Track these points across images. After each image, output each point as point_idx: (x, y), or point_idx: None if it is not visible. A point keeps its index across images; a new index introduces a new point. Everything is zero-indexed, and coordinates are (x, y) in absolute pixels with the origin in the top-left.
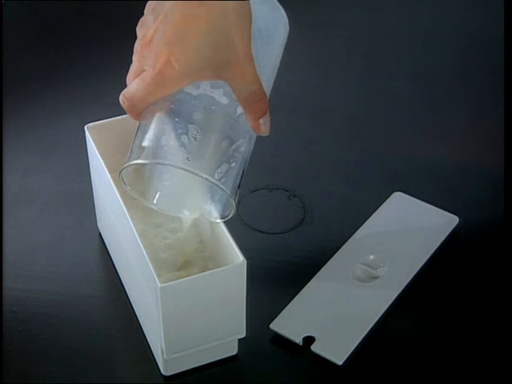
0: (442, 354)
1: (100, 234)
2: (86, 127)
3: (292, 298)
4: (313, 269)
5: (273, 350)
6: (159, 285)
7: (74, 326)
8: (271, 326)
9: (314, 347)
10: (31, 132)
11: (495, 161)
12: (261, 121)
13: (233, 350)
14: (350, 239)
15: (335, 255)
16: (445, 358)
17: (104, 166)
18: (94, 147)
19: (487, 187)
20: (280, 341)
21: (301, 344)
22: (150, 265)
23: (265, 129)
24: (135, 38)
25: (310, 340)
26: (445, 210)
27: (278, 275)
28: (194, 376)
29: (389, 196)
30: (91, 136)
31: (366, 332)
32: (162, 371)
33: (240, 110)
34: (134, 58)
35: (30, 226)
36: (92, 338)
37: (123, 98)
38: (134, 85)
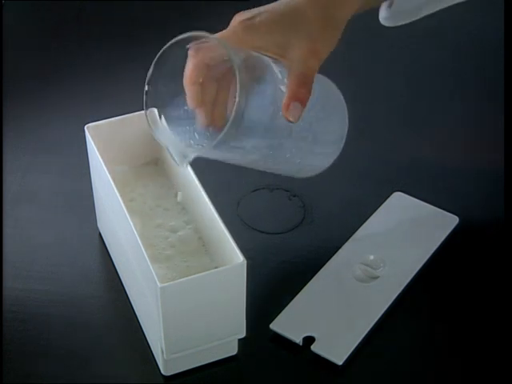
0: (442, 354)
1: (100, 234)
2: (85, 127)
3: (292, 298)
4: (313, 269)
5: (273, 350)
6: (159, 285)
7: (74, 326)
8: (271, 326)
9: (314, 347)
10: (31, 132)
11: (495, 161)
12: (292, 104)
13: (233, 350)
14: (350, 239)
15: (335, 255)
16: (445, 358)
17: (104, 166)
18: (94, 147)
19: (487, 187)
20: (280, 341)
21: (301, 344)
22: (149, 265)
23: (292, 114)
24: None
25: (309, 340)
26: (445, 210)
27: (278, 275)
28: (194, 376)
29: (389, 196)
30: (91, 136)
31: (366, 332)
32: (162, 371)
33: None
34: None
35: (30, 226)
36: (92, 338)
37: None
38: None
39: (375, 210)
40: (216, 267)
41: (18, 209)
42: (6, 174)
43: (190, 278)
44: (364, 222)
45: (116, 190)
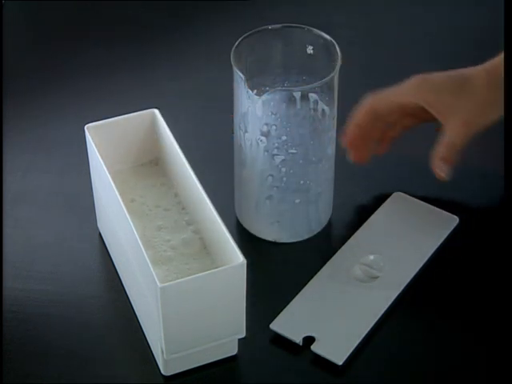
0: (442, 354)
1: (100, 234)
2: (85, 127)
3: (292, 298)
4: (313, 269)
5: (273, 350)
6: (159, 285)
7: (74, 326)
8: (271, 326)
9: (314, 347)
10: (31, 131)
11: (495, 161)
12: (438, 163)
13: (233, 350)
14: (350, 239)
15: (335, 255)
16: (445, 358)
17: (104, 166)
18: (94, 147)
19: (487, 187)
20: (280, 341)
21: (301, 344)
22: (149, 265)
23: (441, 172)
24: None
25: (309, 340)
26: (445, 210)
27: (277, 275)
28: (193, 376)
29: (389, 196)
30: (91, 136)
31: (366, 332)
32: (162, 371)
33: None
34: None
35: (30, 226)
36: (92, 338)
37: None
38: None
39: (375, 210)
40: (216, 267)
41: (17, 209)
42: (6, 174)
43: (189, 278)
44: (364, 221)
45: (116, 190)
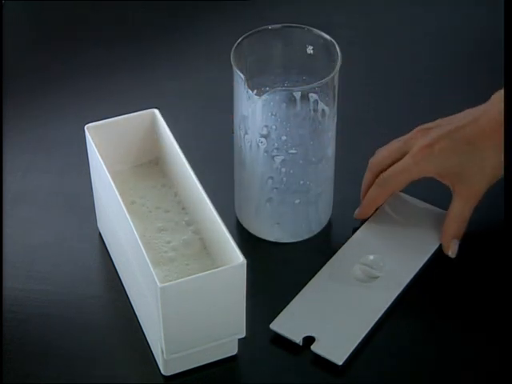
0: (442, 354)
1: (100, 234)
2: (85, 127)
3: (292, 298)
4: (312, 269)
5: (273, 349)
6: (159, 285)
7: (74, 326)
8: (271, 326)
9: (314, 347)
10: (31, 131)
11: None
12: (453, 241)
13: (233, 350)
14: (350, 239)
15: (335, 255)
16: (445, 358)
17: (104, 166)
18: (94, 147)
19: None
20: (280, 341)
21: (301, 344)
22: (149, 265)
23: (453, 250)
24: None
25: (309, 340)
26: (445, 209)
27: (277, 275)
28: (193, 376)
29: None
30: (91, 136)
31: (366, 332)
32: (162, 371)
33: None
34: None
35: (30, 226)
36: (92, 338)
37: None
38: (390, 168)
39: (375, 210)
40: (216, 267)
41: (17, 209)
42: (6, 174)
43: (189, 278)
44: (364, 222)
45: (116, 191)
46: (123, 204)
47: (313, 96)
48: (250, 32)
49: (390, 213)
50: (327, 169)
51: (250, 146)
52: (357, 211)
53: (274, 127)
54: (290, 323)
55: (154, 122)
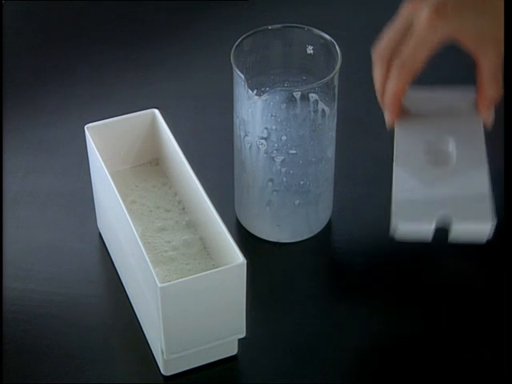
0: (442, 354)
1: (100, 234)
2: (85, 127)
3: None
4: (313, 269)
5: (273, 350)
6: (159, 285)
7: (74, 326)
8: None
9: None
10: (31, 132)
11: (495, 161)
12: (491, 108)
13: (233, 350)
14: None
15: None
16: (445, 358)
17: (104, 166)
18: (94, 147)
19: None
20: (280, 341)
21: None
22: (149, 265)
23: (490, 117)
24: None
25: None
26: None
27: (278, 275)
28: (193, 376)
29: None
30: (91, 136)
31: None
32: (162, 371)
33: None
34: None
35: (30, 226)
36: (92, 338)
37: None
38: (405, 47)
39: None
40: (216, 267)
41: (17, 209)
42: (6, 174)
43: (189, 278)
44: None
45: (116, 191)
46: (123, 204)
47: (313, 96)
48: (250, 32)
49: (419, 109)
50: (327, 169)
51: (250, 147)
52: (387, 118)
53: (274, 127)
54: (414, 210)
55: (154, 122)
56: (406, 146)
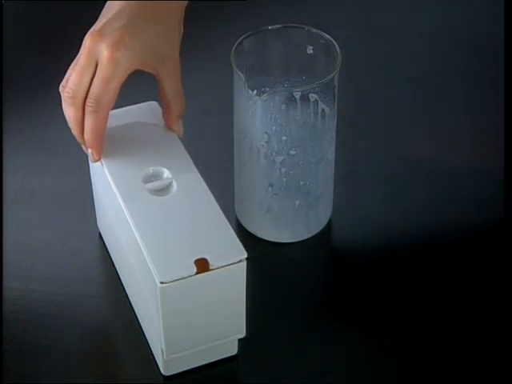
0: (441, 354)
1: (100, 234)
2: None
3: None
4: (313, 269)
5: (273, 350)
6: (159, 285)
7: (74, 326)
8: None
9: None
10: (31, 132)
11: (495, 161)
12: (180, 121)
13: (233, 350)
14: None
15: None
16: (445, 358)
17: (104, 166)
18: None
19: (487, 187)
20: (280, 341)
21: None
22: (149, 265)
23: (181, 128)
24: None
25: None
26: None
27: (277, 275)
28: (193, 376)
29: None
30: None
31: None
32: (162, 371)
33: None
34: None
35: (30, 226)
36: (92, 338)
37: (90, 101)
38: (95, 85)
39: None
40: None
41: (17, 209)
42: (6, 174)
43: (189, 278)
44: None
45: (116, 191)
46: (123, 204)
47: (313, 96)
48: (250, 32)
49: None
50: (327, 169)
51: (250, 148)
52: (90, 156)
53: (273, 128)
54: None
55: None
56: (124, 181)
